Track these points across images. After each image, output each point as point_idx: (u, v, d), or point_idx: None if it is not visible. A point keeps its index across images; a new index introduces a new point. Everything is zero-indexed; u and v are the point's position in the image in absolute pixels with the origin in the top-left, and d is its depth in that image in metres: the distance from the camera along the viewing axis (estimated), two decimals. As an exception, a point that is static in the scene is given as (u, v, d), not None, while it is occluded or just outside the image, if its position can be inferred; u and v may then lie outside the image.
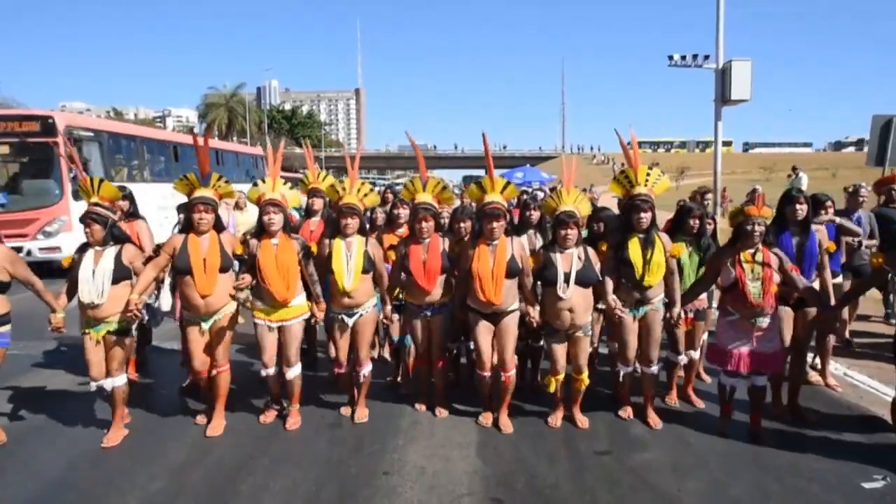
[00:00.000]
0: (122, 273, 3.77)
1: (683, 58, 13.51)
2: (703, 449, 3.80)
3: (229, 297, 3.90)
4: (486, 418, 4.16)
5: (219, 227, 3.95)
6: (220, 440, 3.94)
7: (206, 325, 3.91)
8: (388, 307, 4.18)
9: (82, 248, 3.86)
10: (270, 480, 3.43)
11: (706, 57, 13.13)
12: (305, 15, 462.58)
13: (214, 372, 4.01)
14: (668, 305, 4.02)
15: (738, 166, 46.16)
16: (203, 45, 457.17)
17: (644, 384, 4.16)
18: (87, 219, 3.80)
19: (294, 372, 4.06)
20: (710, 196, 5.85)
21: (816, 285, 4.24)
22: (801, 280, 3.83)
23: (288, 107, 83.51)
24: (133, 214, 5.00)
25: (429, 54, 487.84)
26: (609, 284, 3.92)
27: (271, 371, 4.06)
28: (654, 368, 4.10)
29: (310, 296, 4.06)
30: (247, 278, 3.81)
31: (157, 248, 3.94)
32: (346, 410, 4.32)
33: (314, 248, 3.99)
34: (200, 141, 4.11)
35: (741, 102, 12.67)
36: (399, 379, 4.93)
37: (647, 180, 3.90)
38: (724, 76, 12.50)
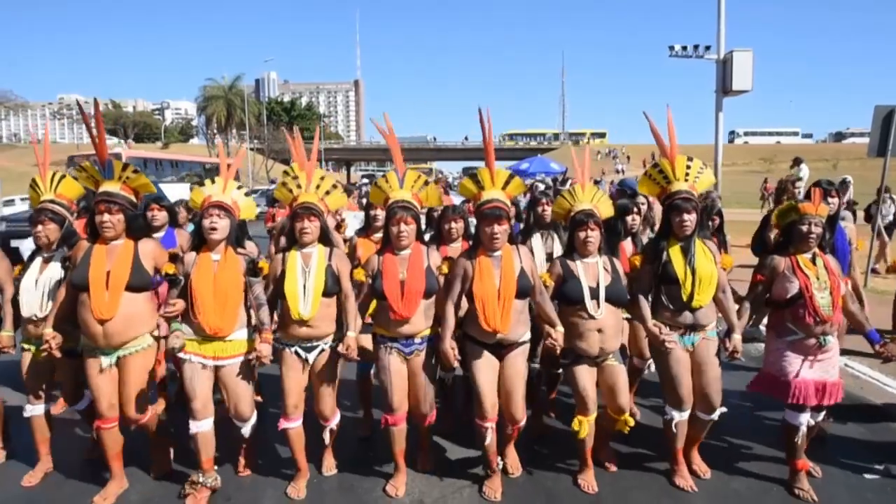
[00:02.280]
0: None
1: (684, 48, 13.37)
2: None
3: (141, 329, 3.04)
4: (494, 486, 3.19)
5: (136, 231, 3.12)
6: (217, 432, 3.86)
7: (106, 362, 3.00)
8: (352, 335, 3.04)
9: (32, 256, 3.34)
10: (271, 474, 3.43)
11: (707, 47, 13.02)
12: (304, 6, 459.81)
13: (133, 427, 3.15)
14: (727, 333, 3.22)
15: (738, 157, 46.00)
16: (202, 37, 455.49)
17: (694, 427, 3.30)
18: (40, 216, 3.23)
19: (251, 424, 3.19)
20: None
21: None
22: (853, 298, 3.32)
23: (287, 99, 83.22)
24: (85, 210, 4.35)
25: (428, 46, 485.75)
26: (646, 307, 3.21)
27: (205, 426, 3.04)
28: (715, 415, 3.25)
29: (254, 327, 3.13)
30: (179, 304, 2.95)
31: (66, 260, 3.23)
32: (294, 490, 3.24)
33: (265, 266, 3.11)
34: None
35: (742, 93, 12.59)
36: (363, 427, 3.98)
37: (687, 174, 3.20)
38: (724, 67, 12.41)
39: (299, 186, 3.17)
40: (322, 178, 3.22)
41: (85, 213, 4.32)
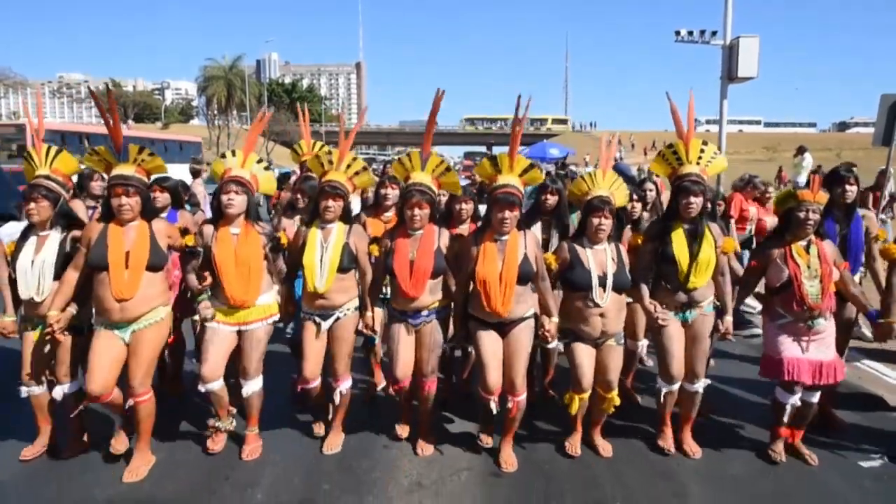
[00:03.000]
0: (68, 264, 3.14)
1: (690, 33, 13.27)
2: (701, 426, 3.78)
3: (156, 302, 3.13)
4: (487, 438, 3.52)
5: (149, 212, 3.20)
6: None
7: (121, 336, 3.08)
8: (370, 314, 3.34)
9: (25, 234, 3.25)
10: (270, 453, 3.44)
11: (714, 33, 12.91)
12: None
13: (132, 402, 3.15)
14: (720, 313, 3.36)
15: (740, 146, 45.74)
16: (203, 17, 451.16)
17: (683, 403, 3.47)
18: (33, 193, 3.14)
19: (253, 387, 3.35)
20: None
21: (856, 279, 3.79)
22: (853, 281, 3.39)
23: (288, 80, 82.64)
24: (72, 193, 4.14)
25: (431, 29, 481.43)
26: (644, 287, 3.32)
27: (214, 386, 3.25)
28: (699, 386, 3.41)
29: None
30: (209, 278, 3.17)
31: (74, 241, 3.22)
32: (317, 428, 3.65)
33: (284, 240, 3.34)
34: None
35: (748, 80, 12.49)
36: (374, 384, 4.26)
37: (699, 158, 3.25)
38: (731, 53, 12.29)
39: (331, 163, 3.29)
40: (354, 160, 3.35)
41: (77, 195, 4.17)
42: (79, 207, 4.11)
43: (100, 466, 3.29)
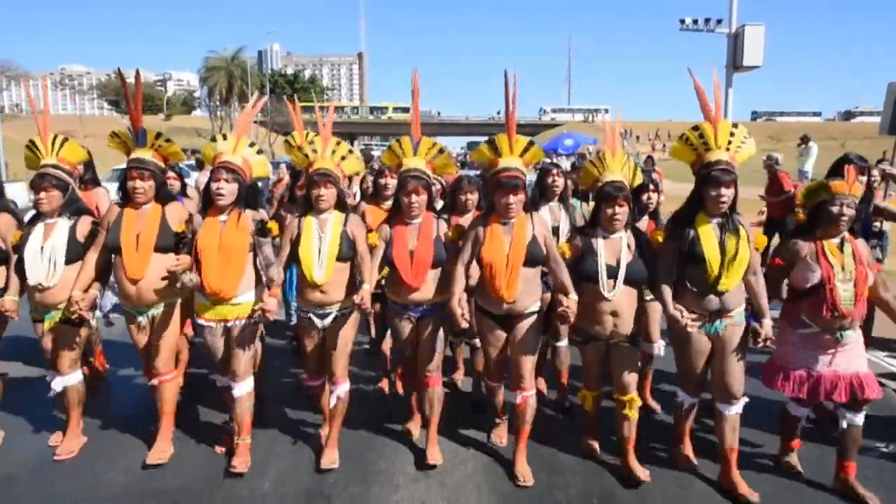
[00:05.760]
0: (77, 251, 3.14)
1: (695, 21, 13.23)
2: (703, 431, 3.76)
3: (173, 287, 3.06)
4: (501, 435, 3.46)
5: (164, 196, 3.20)
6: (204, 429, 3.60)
7: (142, 320, 3.17)
8: (367, 288, 2.99)
9: (32, 221, 3.24)
10: (276, 445, 3.46)
11: (719, 21, 12.85)
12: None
13: (156, 381, 3.24)
14: (756, 317, 2.94)
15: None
16: (205, 7, 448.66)
17: (722, 432, 2.99)
18: (43, 182, 3.12)
19: (241, 389, 3.13)
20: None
21: None
22: (885, 286, 3.01)
23: (290, 71, 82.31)
24: (91, 181, 4.20)
25: (433, 18, 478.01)
26: (667, 290, 2.94)
27: (227, 381, 3.21)
28: (738, 407, 2.97)
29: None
30: (183, 259, 2.95)
31: (96, 225, 3.24)
32: (324, 432, 3.44)
33: (274, 227, 3.10)
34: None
35: (753, 69, 12.41)
36: (382, 386, 4.20)
37: (729, 142, 2.83)
38: (736, 41, 12.21)
39: (315, 151, 3.09)
40: (338, 144, 3.16)
41: (91, 184, 4.20)
42: (102, 195, 4.19)
43: (108, 460, 3.31)
